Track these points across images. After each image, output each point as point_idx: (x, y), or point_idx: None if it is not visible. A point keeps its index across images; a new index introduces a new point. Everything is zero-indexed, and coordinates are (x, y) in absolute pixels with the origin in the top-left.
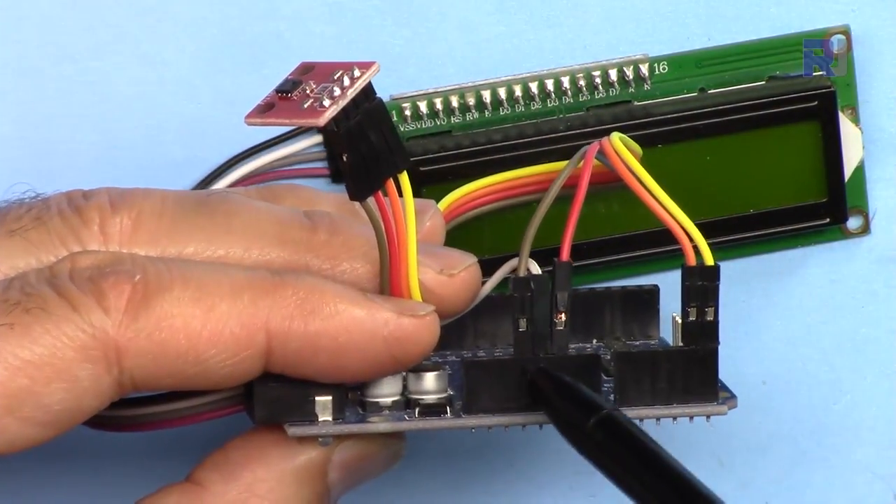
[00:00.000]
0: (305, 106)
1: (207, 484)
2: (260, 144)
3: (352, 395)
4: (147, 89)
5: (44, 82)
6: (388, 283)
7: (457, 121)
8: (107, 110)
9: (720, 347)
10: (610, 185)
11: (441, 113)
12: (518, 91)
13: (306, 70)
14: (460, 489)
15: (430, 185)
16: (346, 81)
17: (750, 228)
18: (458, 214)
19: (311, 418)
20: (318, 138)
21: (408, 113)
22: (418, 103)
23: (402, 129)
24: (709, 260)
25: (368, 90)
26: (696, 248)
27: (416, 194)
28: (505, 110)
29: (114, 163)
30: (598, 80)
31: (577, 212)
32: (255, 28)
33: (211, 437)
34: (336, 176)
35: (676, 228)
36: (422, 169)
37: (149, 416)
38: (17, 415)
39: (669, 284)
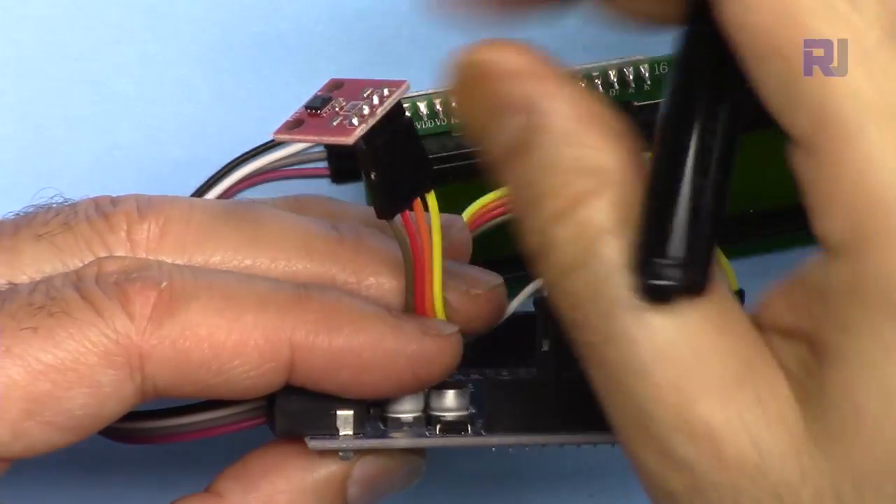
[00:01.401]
0: (334, 124)
1: (226, 494)
2: (261, 145)
3: (374, 411)
4: (147, 89)
5: (44, 82)
6: (413, 301)
7: (457, 121)
8: (107, 110)
9: None
10: None
11: (441, 113)
12: None
13: (336, 86)
14: (460, 490)
15: None
16: (376, 100)
17: (750, 228)
18: (483, 223)
19: (332, 432)
20: None
21: (408, 113)
22: (418, 103)
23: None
24: (733, 285)
25: (397, 108)
26: None
27: None
28: None
29: (114, 163)
30: (597, 81)
31: None
32: (255, 28)
33: (232, 450)
34: (336, 176)
35: None
36: None
37: (170, 428)
38: (39, 419)
39: None
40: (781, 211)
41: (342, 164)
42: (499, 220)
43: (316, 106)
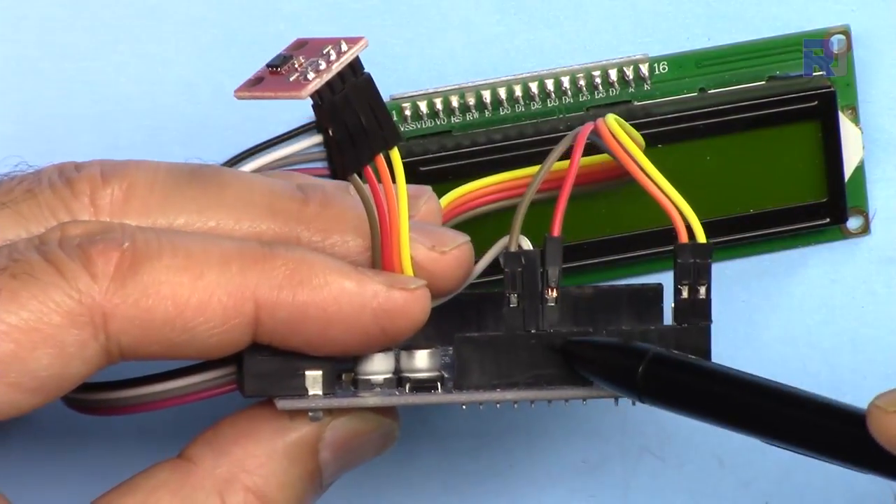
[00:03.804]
0: (291, 79)
1: (198, 459)
2: (260, 144)
3: (346, 377)
4: (147, 89)
5: (44, 82)
6: (379, 259)
7: (457, 121)
8: (107, 110)
9: (720, 344)
10: (609, 183)
11: (441, 113)
12: (518, 91)
13: (299, 45)
14: (461, 490)
15: (430, 184)
16: (333, 56)
17: (750, 228)
18: (458, 214)
19: (301, 392)
20: (319, 138)
21: (408, 113)
22: (418, 103)
23: (402, 130)
24: (701, 237)
25: (356, 65)
26: (689, 227)
27: None
28: (505, 110)
29: None
30: (598, 80)
31: (569, 187)
32: (255, 28)
33: (206, 421)
34: (336, 176)
35: (669, 206)
36: (422, 169)
37: (141, 397)
38: (4, 381)
39: (671, 284)
40: (781, 211)
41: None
42: (472, 212)
43: (277, 64)
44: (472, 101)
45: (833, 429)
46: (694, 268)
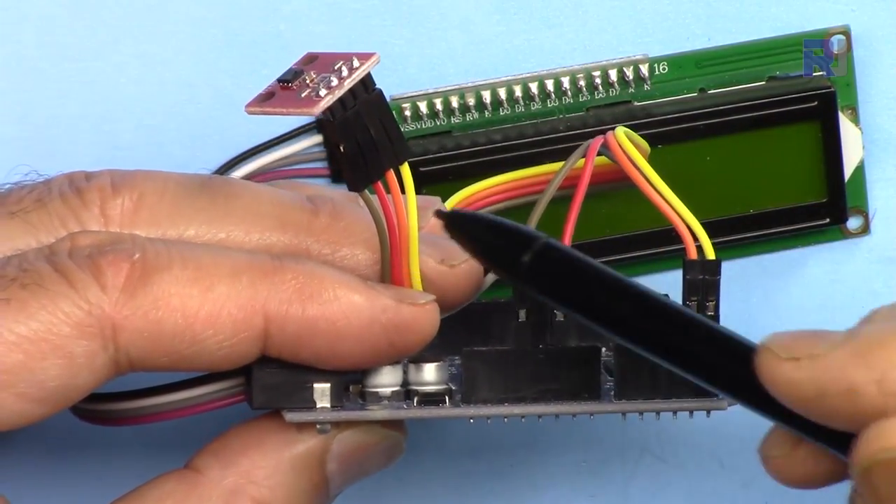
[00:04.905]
0: (303, 95)
1: (205, 470)
2: (260, 145)
3: (353, 388)
4: (147, 89)
5: (44, 82)
6: (388, 272)
7: (457, 121)
8: (107, 110)
9: None
10: (614, 185)
11: (441, 113)
12: (518, 91)
13: (310, 60)
14: (460, 490)
15: (430, 185)
16: (345, 72)
17: (750, 228)
18: None
19: (310, 405)
20: (319, 138)
21: (408, 113)
22: (418, 103)
23: (402, 130)
24: (710, 254)
25: (367, 81)
26: (697, 242)
27: (417, 193)
28: (505, 110)
29: (114, 163)
30: (598, 81)
31: (579, 204)
32: (255, 28)
33: (212, 432)
34: (337, 176)
35: (678, 222)
36: (422, 169)
37: (149, 408)
38: (13, 391)
39: (672, 284)
40: (781, 211)
41: None
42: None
43: (288, 79)
44: (472, 101)
45: (719, 365)
46: (703, 284)
